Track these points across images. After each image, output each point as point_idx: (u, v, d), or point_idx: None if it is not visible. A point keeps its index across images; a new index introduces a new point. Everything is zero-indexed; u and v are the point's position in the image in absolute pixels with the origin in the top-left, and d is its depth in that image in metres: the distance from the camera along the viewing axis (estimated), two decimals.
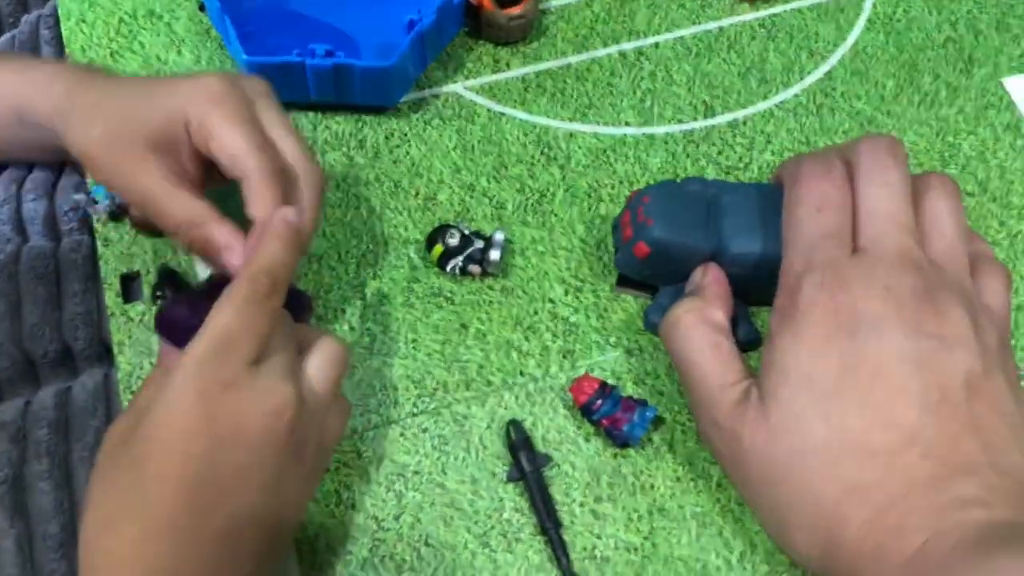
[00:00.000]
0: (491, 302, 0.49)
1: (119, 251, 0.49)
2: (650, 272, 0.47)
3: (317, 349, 0.39)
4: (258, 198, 0.40)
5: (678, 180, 0.48)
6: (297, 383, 0.37)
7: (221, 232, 0.40)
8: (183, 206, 0.41)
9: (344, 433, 0.41)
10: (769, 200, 0.45)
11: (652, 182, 0.53)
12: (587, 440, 0.45)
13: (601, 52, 0.59)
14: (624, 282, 0.49)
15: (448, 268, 0.48)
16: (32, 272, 0.48)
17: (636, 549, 0.42)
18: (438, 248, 0.48)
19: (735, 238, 0.44)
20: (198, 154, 0.42)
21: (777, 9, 0.61)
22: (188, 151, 0.42)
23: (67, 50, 0.57)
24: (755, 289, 0.45)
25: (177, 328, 0.38)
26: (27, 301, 0.48)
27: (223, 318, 0.36)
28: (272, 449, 0.36)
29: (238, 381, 0.35)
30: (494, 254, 0.48)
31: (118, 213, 0.49)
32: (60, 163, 0.53)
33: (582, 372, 0.46)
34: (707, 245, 0.45)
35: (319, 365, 0.38)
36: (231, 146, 0.41)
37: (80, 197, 0.50)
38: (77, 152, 0.43)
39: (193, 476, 0.34)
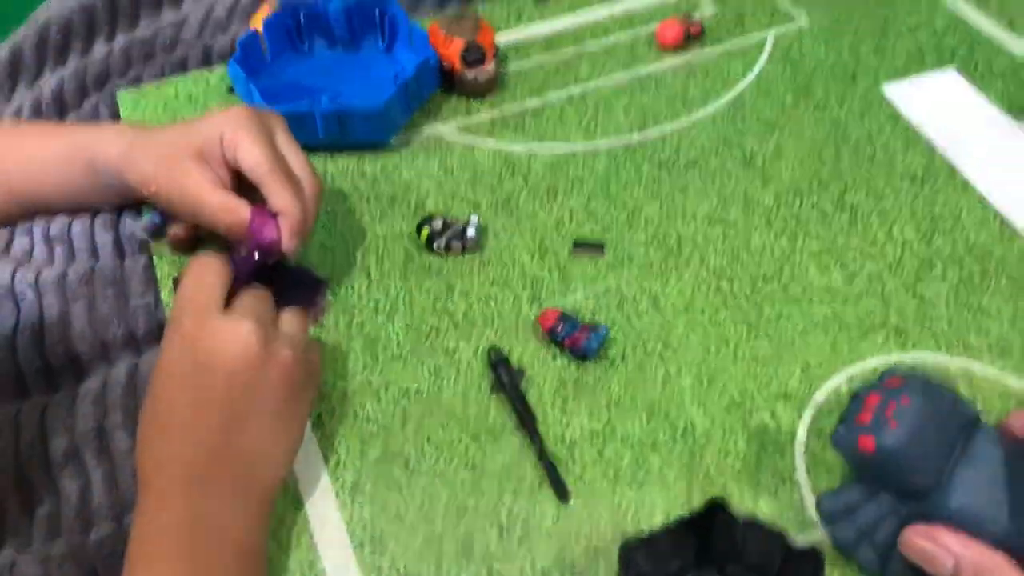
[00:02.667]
0: (472, 270, 0.60)
1: (169, 261, 0.61)
2: (857, 465, 0.43)
3: (288, 315, 0.51)
4: (273, 194, 0.53)
5: (946, 392, 0.42)
6: (260, 324, 0.47)
7: (248, 210, 0.53)
8: (219, 198, 0.54)
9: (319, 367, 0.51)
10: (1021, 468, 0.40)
11: (601, 182, 0.65)
12: (554, 359, 0.54)
13: (553, 96, 0.73)
14: (579, 246, 0.60)
15: (435, 246, 0.60)
16: (104, 279, 0.60)
17: (598, 434, 0.51)
18: (425, 231, 0.60)
19: (969, 498, 0.39)
20: (228, 166, 0.55)
21: (692, 54, 0.76)
22: (221, 162, 0.55)
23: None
24: None
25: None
26: (99, 298, 0.59)
27: (185, 281, 0.49)
28: (247, 368, 0.46)
29: (208, 320, 0.46)
30: (471, 231, 0.59)
31: (159, 229, 0.62)
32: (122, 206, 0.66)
33: None
34: (931, 480, 0.40)
35: (287, 318, 0.50)
36: (253, 155, 0.54)
37: (136, 223, 0.63)
38: (137, 179, 0.57)
39: (185, 395, 0.46)
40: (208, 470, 0.45)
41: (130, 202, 0.63)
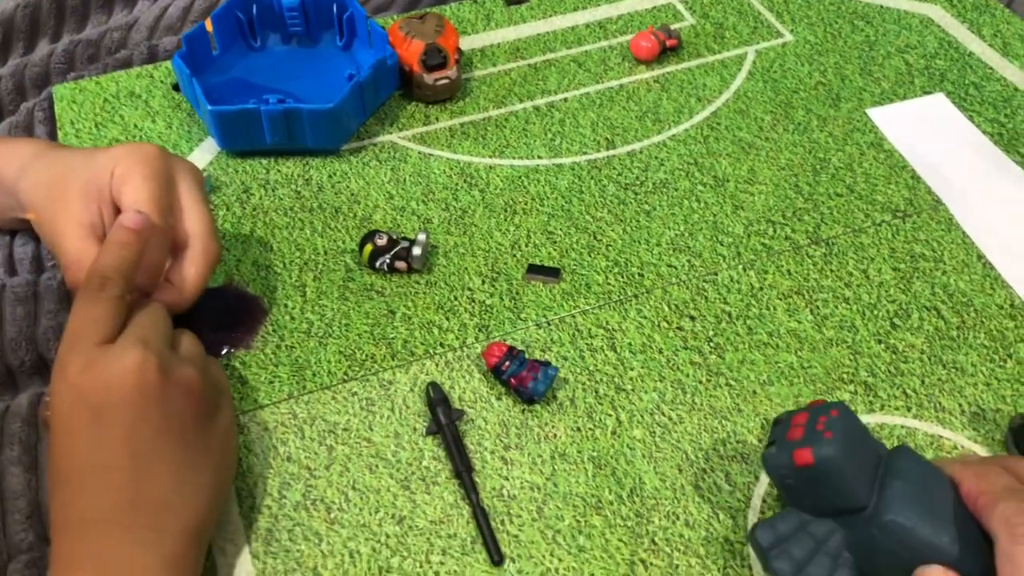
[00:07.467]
0: (416, 292, 0.55)
1: None
2: (793, 483, 0.41)
3: (182, 335, 0.46)
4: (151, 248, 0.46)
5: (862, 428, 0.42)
6: (152, 348, 0.41)
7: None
8: (75, 249, 0.47)
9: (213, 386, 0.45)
10: (942, 484, 0.40)
11: (563, 200, 0.61)
12: (499, 399, 0.50)
13: (518, 107, 0.68)
14: (533, 271, 0.56)
15: (377, 265, 0.55)
16: (13, 296, 0.55)
17: (539, 488, 0.47)
18: (368, 248, 0.55)
19: (897, 503, 0.39)
20: (114, 206, 0.48)
21: (669, 68, 0.71)
22: (108, 200, 0.48)
23: (58, 123, 0.66)
24: (887, 567, 0.40)
25: None
26: (7, 320, 0.54)
27: (71, 316, 0.42)
28: (147, 400, 0.40)
29: (93, 359, 0.40)
30: (416, 250, 0.55)
31: None
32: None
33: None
34: (867, 493, 0.40)
35: (186, 342, 0.45)
36: (138, 197, 0.46)
37: None
38: (23, 196, 0.51)
39: (85, 443, 0.40)
40: (116, 522, 0.40)
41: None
